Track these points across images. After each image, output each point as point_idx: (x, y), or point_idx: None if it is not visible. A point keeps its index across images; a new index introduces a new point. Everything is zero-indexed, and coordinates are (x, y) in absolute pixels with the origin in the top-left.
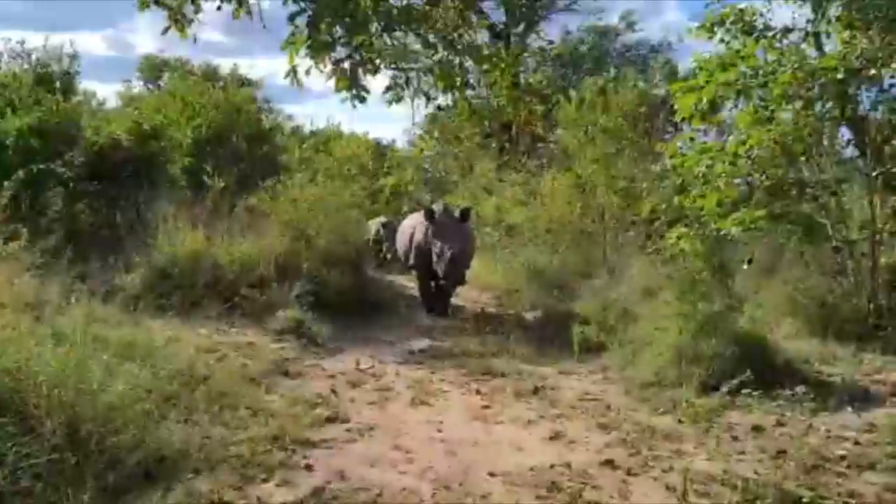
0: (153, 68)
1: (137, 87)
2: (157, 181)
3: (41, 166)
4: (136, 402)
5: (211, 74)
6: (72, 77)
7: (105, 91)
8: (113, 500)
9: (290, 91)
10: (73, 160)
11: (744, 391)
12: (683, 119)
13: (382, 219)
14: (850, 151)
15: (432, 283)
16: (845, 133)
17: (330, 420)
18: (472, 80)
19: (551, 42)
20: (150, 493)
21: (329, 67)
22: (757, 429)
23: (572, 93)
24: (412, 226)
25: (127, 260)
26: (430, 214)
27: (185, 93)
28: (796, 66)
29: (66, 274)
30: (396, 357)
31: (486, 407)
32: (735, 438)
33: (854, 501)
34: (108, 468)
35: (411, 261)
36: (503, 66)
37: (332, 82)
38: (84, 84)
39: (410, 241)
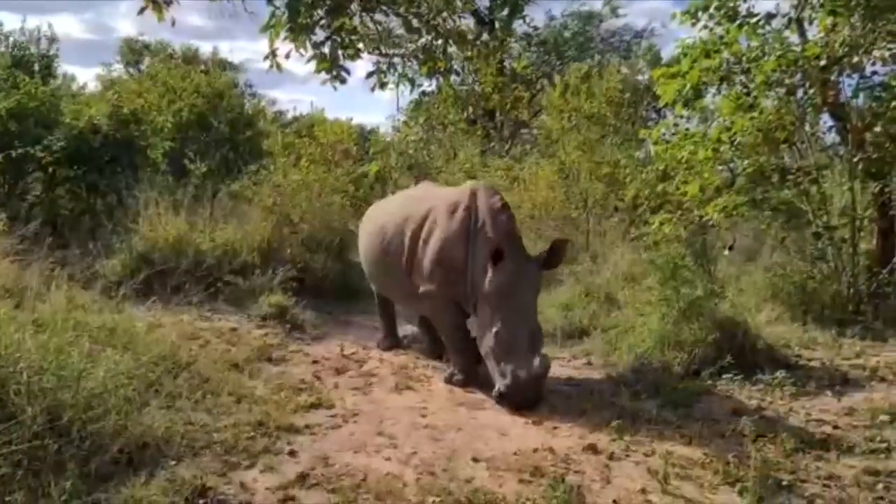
0: (133, 52)
1: (117, 70)
2: (138, 166)
3: (20, 151)
4: (118, 389)
5: (192, 58)
6: (50, 60)
7: (85, 75)
8: (95, 487)
9: (273, 76)
10: (53, 145)
11: (725, 376)
12: (667, 105)
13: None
14: (831, 138)
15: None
16: (827, 120)
17: (314, 406)
18: (456, 66)
19: (536, 28)
20: (132, 480)
21: (310, 51)
22: (737, 412)
23: (556, 79)
24: (405, 220)
25: (108, 246)
26: (497, 256)
27: (166, 77)
28: (779, 53)
29: (46, 260)
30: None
31: (470, 392)
32: (716, 422)
33: (833, 484)
34: (89, 455)
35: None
36: (488, 51)
37: (313, 65)
38: (63, 68)
39: (414, 253)
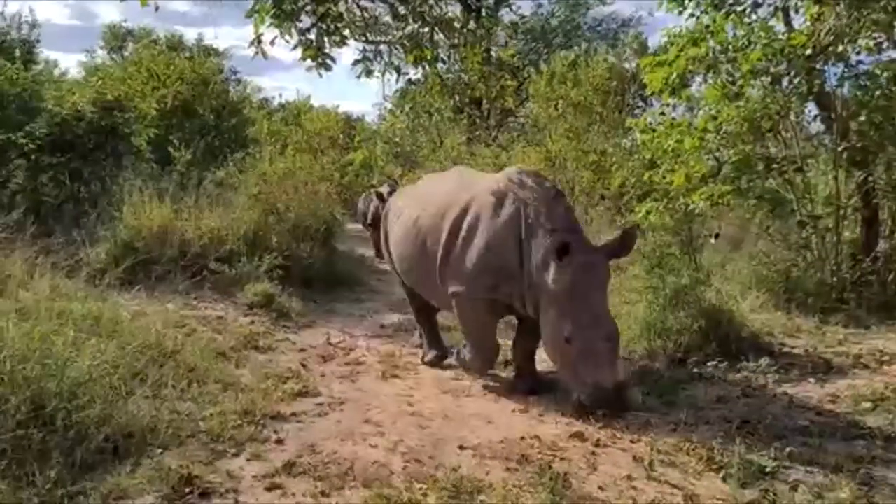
0: (117, 38)
1: (101, 57)
2: (122, 153)
3: (1, 138)
4: (103, 378)
5: (176, 44)
6: (32, 46)
7: (67, 61)
8: (80, 476)
9: (258, 62)
10: (35, 132)
11: (710, 363)
12: (653, 94)
13: (386, 188)
14: (816, 127)
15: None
16: (812, 109)
17: (301, 394)
18: (442, 54)
19: (523, 16)
20: (117, 469)
21: (295, 38)
22: (722, 399)
23: (543, 67)
24: (442, 212)
25: (92, 233)
26: (563, 250)
27: (149, 63)
28: (765, 42)
29: (30, 248)
30: (367, 331)
31: (457, 380)
32: (701, 409)
33: (816, 470)
34: (74, 444)
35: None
36: (474, 39)
37: (299, 52)
38: (45, 54)
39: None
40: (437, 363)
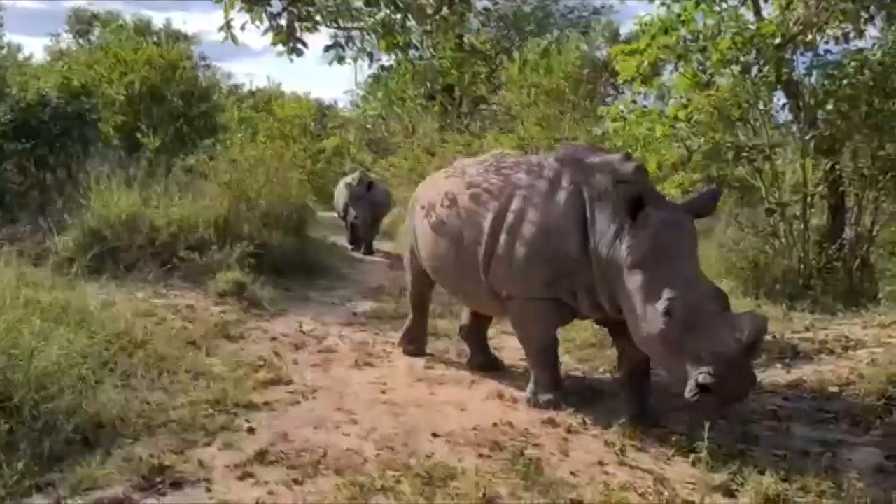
0: (82, 22)
1: (66, 41)
2: (89, 140)
3: None
4: (72, 368)
5: (144, 29)
6: None
7: (32, 45)
8: (48, 468)
9: (228, 48)
10: None
11: None
12: (625, 82)
13: (355, 176)
14: (784, 116)
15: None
16: (780, 98)
17: (273, 383)
18: (415, 41)
19: (496, 3)
20: (87, 460)
21: (266, 23)
22: None
23: (515, 54)
24: (480, 202)
25: (59, 222)
26: (637, 203)
27: (117, 48)
28: (735, 31)
29: None
30: (339, 319)
31: (430, 368)
32: (671, 395)
33: (783, 452)
34: (42, 435)
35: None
36: (447, 26)
37: (269, 37)
38: (8, 37)
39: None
40: (481, 368)
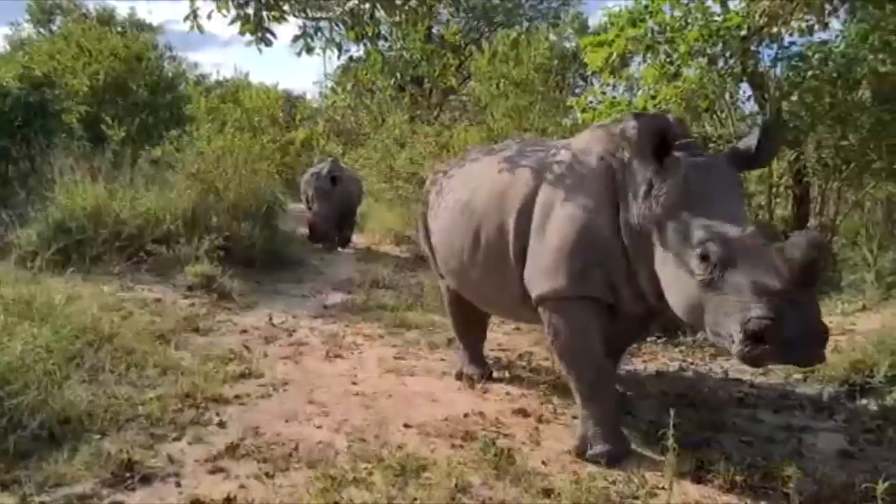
0: (44, 11)
1: (27, 30)
2: (52, 131)
3: None
4: (37, 363)
5: (107, 19)
6: None
7: None
8: (14, 465)
9: (194, 37)
10: None
11: (649, 339)
12: (594, 73)
13: (323, 166)
14: (749, 107)
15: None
16: (746, 89)
17: (243, 376)
18: (384, 31)
19: None
20: (54, 456)
21: (232, 12)
22: (660, 374)
23: (485, 45)
24: (501, 193)
25: (21, 214)
26: (663, 146)
27: (79, 38)
28: (702, 23)
29: None
30: (310, 311)
31: (400, 359)
32: (640, 384)
33: (749, 438)
34: (7, 431)
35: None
36: (416, 17)
37: (236, 26)
38: None
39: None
40: (479, 379)
